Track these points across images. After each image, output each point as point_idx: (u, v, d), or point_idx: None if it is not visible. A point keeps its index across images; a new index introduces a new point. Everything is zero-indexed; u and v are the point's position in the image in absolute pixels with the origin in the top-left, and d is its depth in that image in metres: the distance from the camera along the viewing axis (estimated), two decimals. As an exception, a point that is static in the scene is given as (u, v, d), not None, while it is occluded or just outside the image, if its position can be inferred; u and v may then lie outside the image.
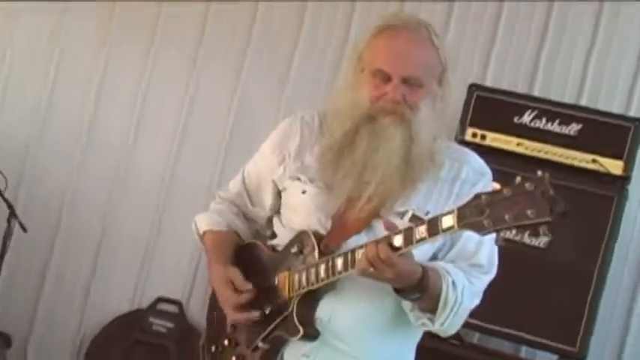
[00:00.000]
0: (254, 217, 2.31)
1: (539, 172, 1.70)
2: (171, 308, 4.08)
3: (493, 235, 1.99)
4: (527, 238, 3.28)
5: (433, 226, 1.83)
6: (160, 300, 4.09)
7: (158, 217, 4.12)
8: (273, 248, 2.20)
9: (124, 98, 4.13)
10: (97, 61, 4.15)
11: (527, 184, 1.69)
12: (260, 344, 2.10)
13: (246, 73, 4.07)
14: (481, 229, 1.74)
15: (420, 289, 1.95)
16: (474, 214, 1.74)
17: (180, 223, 3.98)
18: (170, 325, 4.03)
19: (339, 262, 1.96)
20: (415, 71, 2.04)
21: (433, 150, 2.07)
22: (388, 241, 1.88)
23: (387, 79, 2.04)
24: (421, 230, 1.84)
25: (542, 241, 3.29)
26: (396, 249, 1.87)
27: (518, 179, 1.71)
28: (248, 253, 2.23)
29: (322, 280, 1.99)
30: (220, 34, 4.08)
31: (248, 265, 2.18)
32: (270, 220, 2.28)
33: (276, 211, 2.25)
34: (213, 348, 2.25)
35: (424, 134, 2.04)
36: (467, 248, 2.07)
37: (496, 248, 2.10)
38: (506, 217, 1.70)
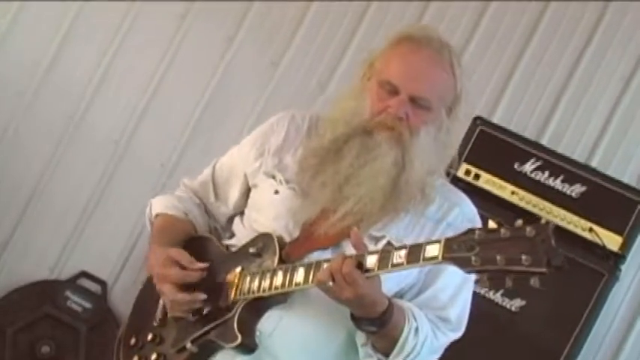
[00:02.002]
0: (215, 212, 2.27)
1: (544, 220, 1.66)
2: (94, 287, 3.95)
3: (469, 295, 2.07)
4: (499, 298, 3.21)
5: (414, 253, 1.78)
6: (83, 275, 3.95)
7: (102, 184, 4.00)
8: (227, 247, 2.15)
9: (95, 45, 4.00)
10: (71, 2, 4.02)
11: (528, 229, 1.65)
12: (188, 345, 2.02)
13: (236, 46, 3.97)
14: (467, 266, 1.71)
15: (379, 324, 1.90)
16: (462, 249, 1.71)
17: (124, 197, 3.98)
18: (88, 305, 3.90)
19: (300, 272, 1.91)
20: (426, 93, 2.00)
21: (425, 183, 2.04)
22: (358, 259, 1.84)
23: (394, 92, 2.01)
24: (400, 254, 1.79)
25: (514, 304, 3.22)
26: (366, 270, 1.83)
27: (519, 222, 1.68)
28: (198, 247, 2.17)
29: (276, 289, 1.94)
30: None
31: (196, 258, 2.11)
32: (230, 220, 2.24)
33: (240, 211, 2.21)
34: (132, 341, 2.17)
35: (418, 163, 2.00)
36: (438, 298, 2.03)
37: (468, 307, 2.09)
38: (498, 258, 1.66)
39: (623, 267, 3.28)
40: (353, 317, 1.92)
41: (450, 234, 1.97)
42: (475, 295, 2.12)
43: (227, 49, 3.97)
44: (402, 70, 2.01)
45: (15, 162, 4.02)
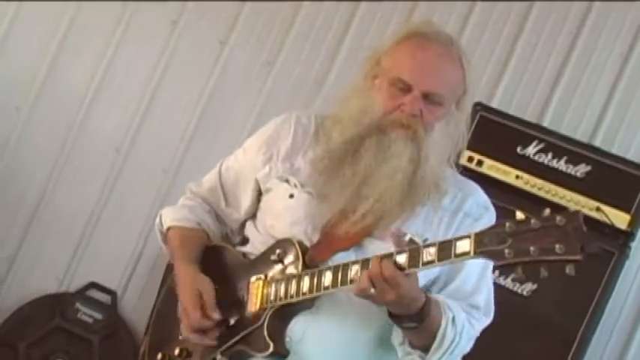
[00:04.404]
0: (225, 218, 2.26)
1: (572, 209, 1.68)
2: (104, 297, 3.96)
3: (491, 279, 2.10)
4: (510, 283, 3.22)
5: (445, 250, 1.79)
6: (93, 286, 3.96)
7: (106, 193, 4.00)
8: (244, 255, 2.15)
9: (89, 54, 4.00)
10: (63, 11, 4.02)
11: (558, 218, 1.67)
12: (218, 357, 2.04)
13: (230, 48, 3.97)
14: (500, 259, 1.72)
15: (418, 319, 1.91)
16: (494, 242, 1.72)
17: (129, 204, 3.99)
18: (99, 316, 3.91)
19: (328, 276, 1.91)
20: (439, 88, 2.02)
21: (438, 175, 2.07)
22: (393, 258, 1.84)
23: (406, 90, 2.02)
24: (430, 252, 1.81)
25: (526, 288, 3.23)
26: (401, 268, 1.84)
27: (547, 211, 1.69)
28: (216, 256, 2.18)
29: (304, 295, 1.94)
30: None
31: (214, 268, 2.12)
32: (242, 226, 2.24)
33: (252, 215, 2.20)
34: (159, 356, 2.17)
35: (433, 158, 2.03)
36: (464, 288, 2.06)
37: (492, 291, 2.12)
38: (531, 249, 1.68)
39: (633, 244, 3.28)
40: (391, 315, 1.93)
41: (468, 223, 2.07)
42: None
43: (221, 51, 3.96)
44: (414, 66, 2.02)
45: (17, 176, 4.02)
